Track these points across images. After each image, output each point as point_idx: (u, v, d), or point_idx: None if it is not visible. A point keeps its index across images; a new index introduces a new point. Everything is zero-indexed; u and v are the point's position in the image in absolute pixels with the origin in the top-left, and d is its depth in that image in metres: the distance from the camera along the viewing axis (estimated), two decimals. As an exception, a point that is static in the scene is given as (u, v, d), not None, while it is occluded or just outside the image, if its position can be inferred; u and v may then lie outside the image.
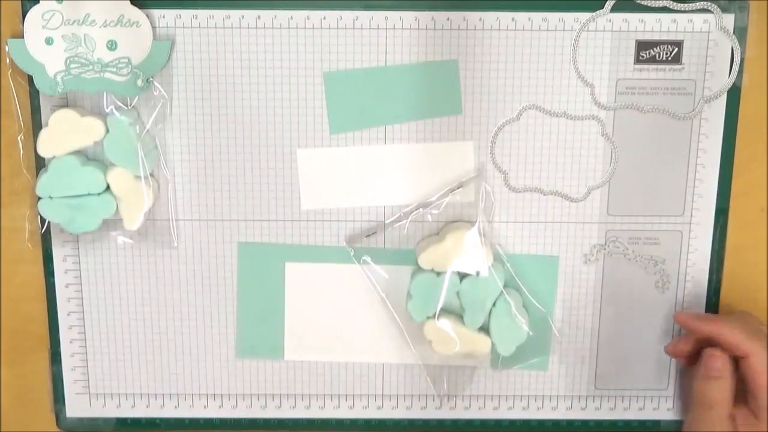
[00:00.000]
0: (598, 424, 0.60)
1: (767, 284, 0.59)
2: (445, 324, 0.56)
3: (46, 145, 0.53)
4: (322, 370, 0.60)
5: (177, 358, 0.59)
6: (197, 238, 0.57)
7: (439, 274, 0.55)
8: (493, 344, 0.56)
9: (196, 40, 0.54)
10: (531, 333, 0.57)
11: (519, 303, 0.56)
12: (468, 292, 0.55)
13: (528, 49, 0.54)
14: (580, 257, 0.58)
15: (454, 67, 0.54)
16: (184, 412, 0.60)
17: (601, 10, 0.54)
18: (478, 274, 0.55)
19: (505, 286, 0.56)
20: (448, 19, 0.53)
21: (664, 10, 0.53)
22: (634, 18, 0.54)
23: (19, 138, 0.55)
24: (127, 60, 0.52)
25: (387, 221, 0.56)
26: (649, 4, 0.53)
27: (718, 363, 0.52)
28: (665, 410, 0.60)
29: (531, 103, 0.55)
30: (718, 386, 0.52)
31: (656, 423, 0.60)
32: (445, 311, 0.56)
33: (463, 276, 0.56)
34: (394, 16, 0.53)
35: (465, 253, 0.55)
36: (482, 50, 0.54)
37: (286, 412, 0.60)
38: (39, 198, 0.54)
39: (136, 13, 0.52)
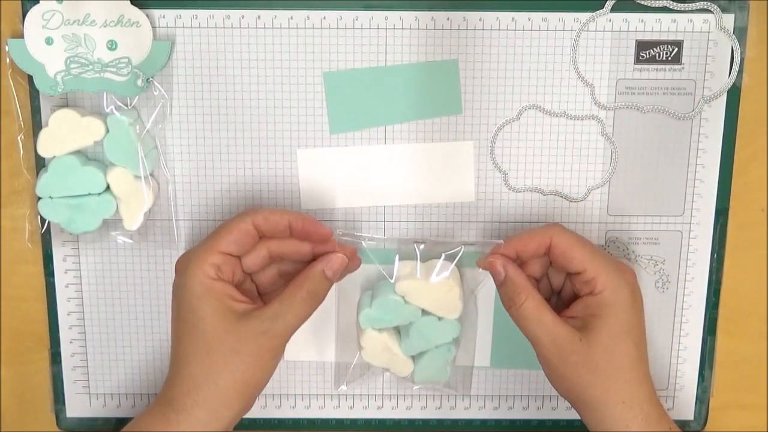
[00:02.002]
0: (598, 424, 0.60)
1: (767, 284, 0.59)
2: (385, 340, 0.55)
3: (46, 145, 0.53)
4: (322, 370, 0.60)
5: (177, 358, 0.59)
6: (197, 238, 0.57)
7: (406, 302, 0.54)
8: (415, 369, 0.56)
9: (196, 40, 0.54)
10: (449, 379, 0.57)
11: (453, 356, 0.56)
12: (422, 327, 0.54)
13: (528, 49, 0.54)
14: (580, 257, 0.58)
15: (454, 67, 0.54)
16: (184, 412, 0.60)
17: (601, 10, 0.54)
18: (440, 318, 0.54)
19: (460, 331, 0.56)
20: (448, 19, 0.54)
21: (664, 10, 0.54)
22: (634, 18, 0.54)
23: (19, 138, 0.55)
24: (127, 60, 0.52)
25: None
26: (649, 4, 0.53)
27: (497, 265, 0.51)
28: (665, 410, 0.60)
29: (531, 103, 0.55)
30: (512, 284, 0.50)
31: (656, 423, 0.60)
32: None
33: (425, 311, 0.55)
34: (394, 16, 0.53)
35: (441, 298, 0.54)
36: (482, 50, 0.54)
37: (286, 412, 0.60)
38: (39, 198, 0.54)
39: (136, 13, 0.52)
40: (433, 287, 0.53)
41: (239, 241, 0.50)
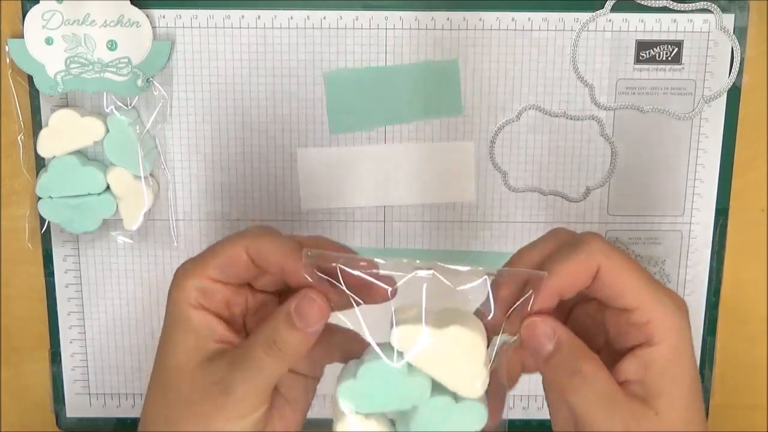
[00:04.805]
0: (598, 424, 0.60)
1: (767, 284, 0.59)
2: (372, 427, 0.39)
3: (46, 145, 0.53)
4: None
5: (177, 358, 0.59)
6: (197, 238, 0.57)
7: (410, 370, 0.37)
8: None
9: (196, 40, 0.54)
10: None
11: None
12: (431, 415, 0.37)
13: (528, 49, 0.54)
14: (580, 257, 0.57)
15: (455, 67, 0.54)
16: (184, 412, 0.60)
17: (601, 10, 0.54)
18: (457, 400, 0.37)
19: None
20: (448, 19, 0.54)
21: (664, 10, 0.54)
22: (634, 18, 0.54)
23: (19, 138, 0.55)
24: (127, 60, 0.52)
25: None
26: (649, 4, 0.53)
27: (543, 333, 0.37)
28: None
29: (531, 103, 0.55)
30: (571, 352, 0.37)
31: (656, 423, 0.60)
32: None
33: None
34: (394, 16, 0.53)
35: (457, 360, 0.36)
36: (482, 50, 0.54)
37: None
38: (39, 198, 0.54)
39: (136, 13, 0.52)
40: (446, 342, 0.36)
41: (227, 270, 0.39)
